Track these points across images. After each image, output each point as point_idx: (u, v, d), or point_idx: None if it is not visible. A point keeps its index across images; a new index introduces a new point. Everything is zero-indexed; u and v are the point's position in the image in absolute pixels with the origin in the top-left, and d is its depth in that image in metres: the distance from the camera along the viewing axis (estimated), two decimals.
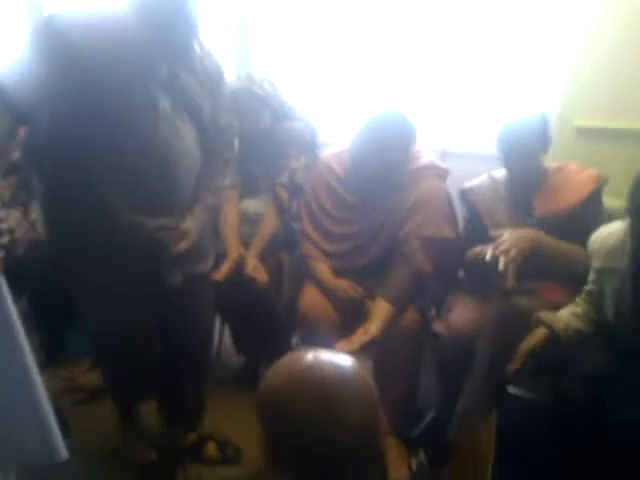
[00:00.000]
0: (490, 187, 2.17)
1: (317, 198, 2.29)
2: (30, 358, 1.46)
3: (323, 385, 0.79)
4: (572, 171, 2.06)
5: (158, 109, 1.67)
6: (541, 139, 2.01)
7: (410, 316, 2.09)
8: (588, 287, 1.81)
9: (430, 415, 2.16)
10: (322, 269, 2.24)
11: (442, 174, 2.24)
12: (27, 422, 1.48)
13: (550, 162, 2.09)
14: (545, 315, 1.80)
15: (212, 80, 1.84)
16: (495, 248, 1.88)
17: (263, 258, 2.43)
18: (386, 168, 2.12)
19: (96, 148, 1.64)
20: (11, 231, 1.38)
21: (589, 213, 1.97)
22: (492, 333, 1.87)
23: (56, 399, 1.57)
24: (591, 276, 1.81)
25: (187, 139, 1.76)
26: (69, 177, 1.69)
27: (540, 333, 1.78)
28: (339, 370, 0.81)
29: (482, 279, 2.03)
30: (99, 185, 1.66)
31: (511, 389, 1.75)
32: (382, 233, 2.18)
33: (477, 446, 1.60)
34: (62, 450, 1.54)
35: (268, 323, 2.40)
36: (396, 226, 2.15)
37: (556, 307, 1.87)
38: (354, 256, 2.23)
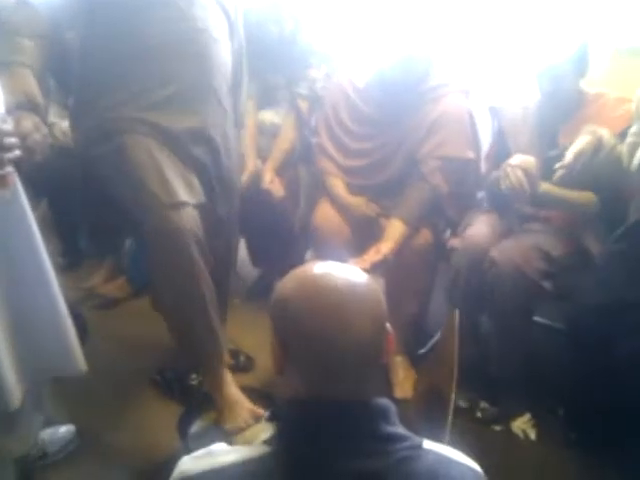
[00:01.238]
0: (519, 109, 2.10)
1: (336, 112, 2.23)
2: (49, 266, 1.44)
3: (333, 291, 0.81)
4: (610, 101, 1.95)
5: None
6: (577, 61, 1.91)
7: (424, 236, 2.08)
8: (628, 140, 1.77)
9: (438, 335, 2.20)
10: (337, 185, 2.22)
11: (465, 90, 2.17)
12: (47, 333, 1.45)
13: (588, 83, 1.99)
14: (599, 128, 1.78)
15: None
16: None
17: (280, 172, 2.41)
18: (410, 81, 2.07)
19: (129, 33, 1.66)
20: (23, 140, 1.32)
21: None
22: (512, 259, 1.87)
23: (75, 307, 1.55)
24: (634, 127, 1.77)
25: (219, 27, 1.78)
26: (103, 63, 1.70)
27: (589, 140, 1.77)
28: (350, 280, 0.84)
29: (501, 201, 2.01)
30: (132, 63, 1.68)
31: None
32: (400, 151, 2.14)
33: (445, 348, 1.64)
34: (82, 362, 1.51)
35: (283, 236, 2.42)
36: (415, 144, 2.10)
37: (569, 233, 1.93)
38: (371, 173, 2.20)
